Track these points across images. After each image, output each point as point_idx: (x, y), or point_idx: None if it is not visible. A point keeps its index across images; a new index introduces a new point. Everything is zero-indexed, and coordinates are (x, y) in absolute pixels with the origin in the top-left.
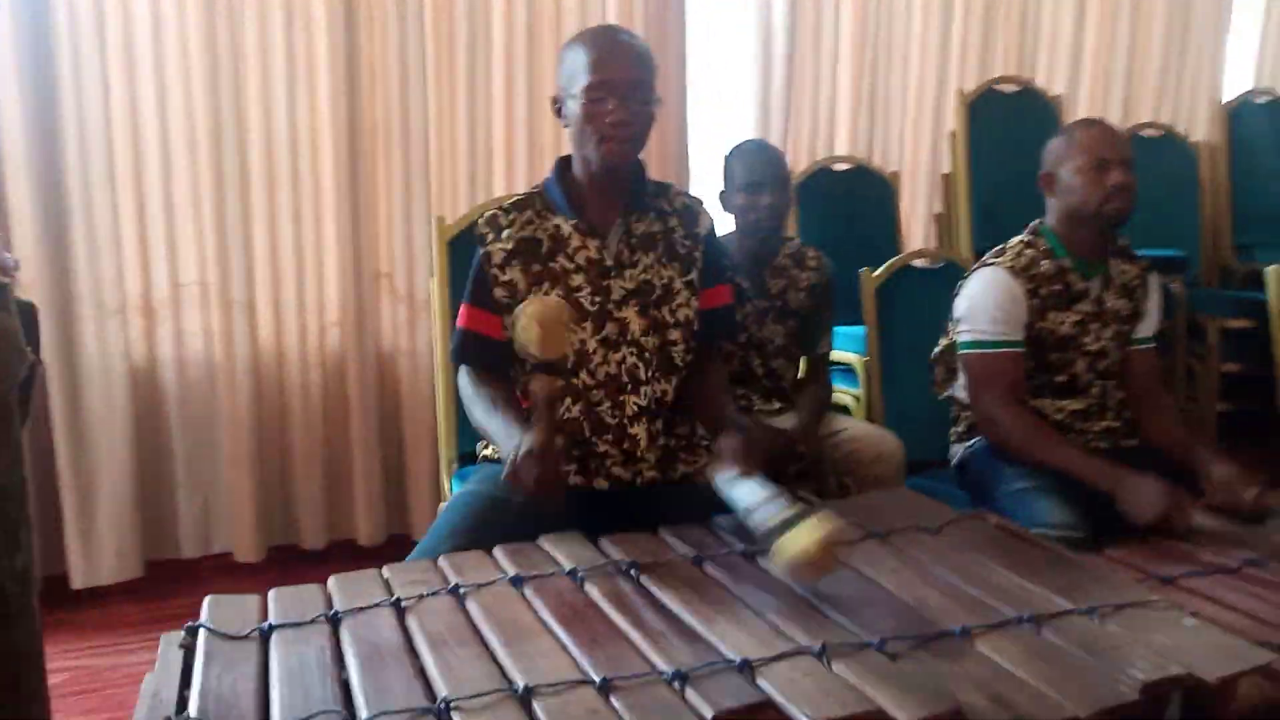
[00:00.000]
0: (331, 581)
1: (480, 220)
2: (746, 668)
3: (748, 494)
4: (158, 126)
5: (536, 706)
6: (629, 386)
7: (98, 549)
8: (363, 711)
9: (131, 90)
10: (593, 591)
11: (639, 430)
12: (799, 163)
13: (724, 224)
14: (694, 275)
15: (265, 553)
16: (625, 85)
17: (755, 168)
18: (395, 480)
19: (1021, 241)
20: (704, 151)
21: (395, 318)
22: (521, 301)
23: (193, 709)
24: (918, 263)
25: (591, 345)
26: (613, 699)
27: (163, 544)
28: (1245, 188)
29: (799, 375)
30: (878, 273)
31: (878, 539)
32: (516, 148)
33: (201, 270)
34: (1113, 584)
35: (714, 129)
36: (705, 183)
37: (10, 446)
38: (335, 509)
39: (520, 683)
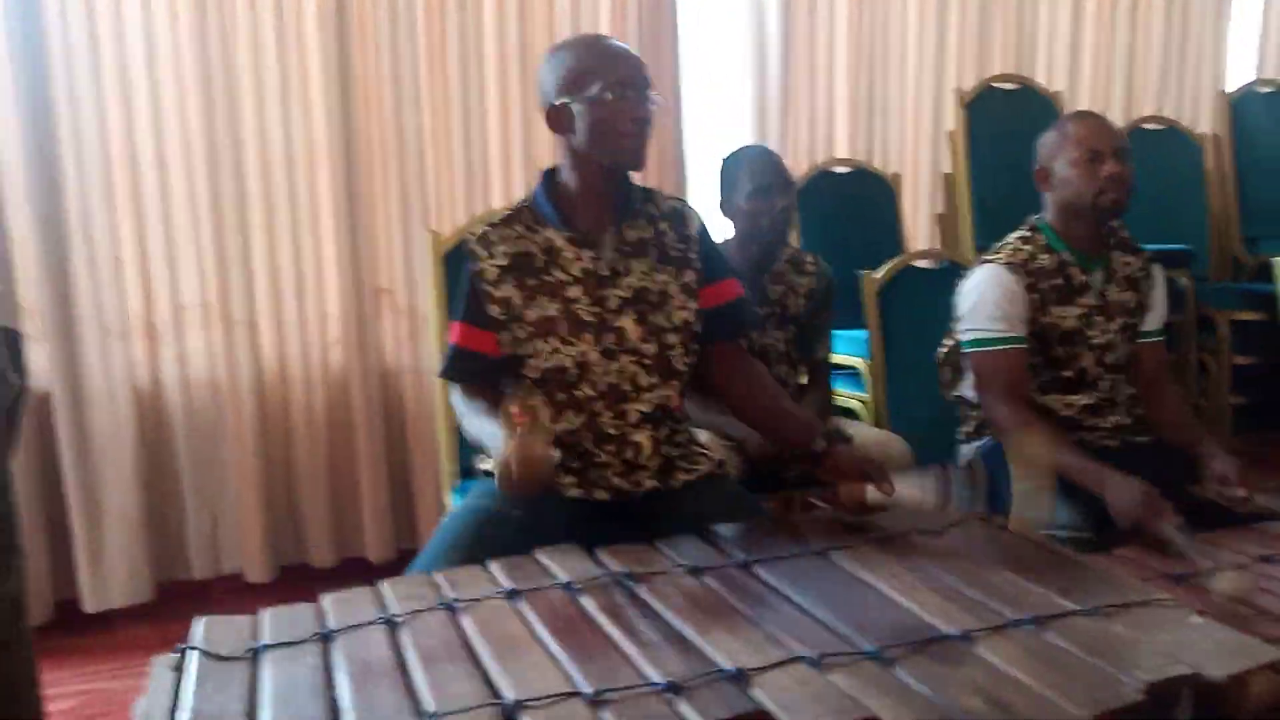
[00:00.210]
0: (325, 600)
1: (470, 238)
2: (740, 677)
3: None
4: (154, 149)
5: None
6: (630, 395)
7: (108, 572)
8: None
9: (127, 113)
10: (587, 604)
11: (642, 438)
12: (798, 167)
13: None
14: (690, 277)
15: (276, 573)
16: (643, 81)
17: (762, 172)
18: (403, 496)
19: (1019, 237)
20: (700, 157)
21: (397, 333)
22: (517, 318)
23: None
24: (920, 263)
25: (592, 356)
26: (603, 712)
27: (173, 566)
28: (1251, 179)
29: (801, 381)
30: (878, 275)
31: (877, 544)
32: (513, 159)
33: (203, 291)
34: (1117, 584)
35: (710, 134)
36: (702, 188)
37: None
38: (344, 527)
39: (510, 697)
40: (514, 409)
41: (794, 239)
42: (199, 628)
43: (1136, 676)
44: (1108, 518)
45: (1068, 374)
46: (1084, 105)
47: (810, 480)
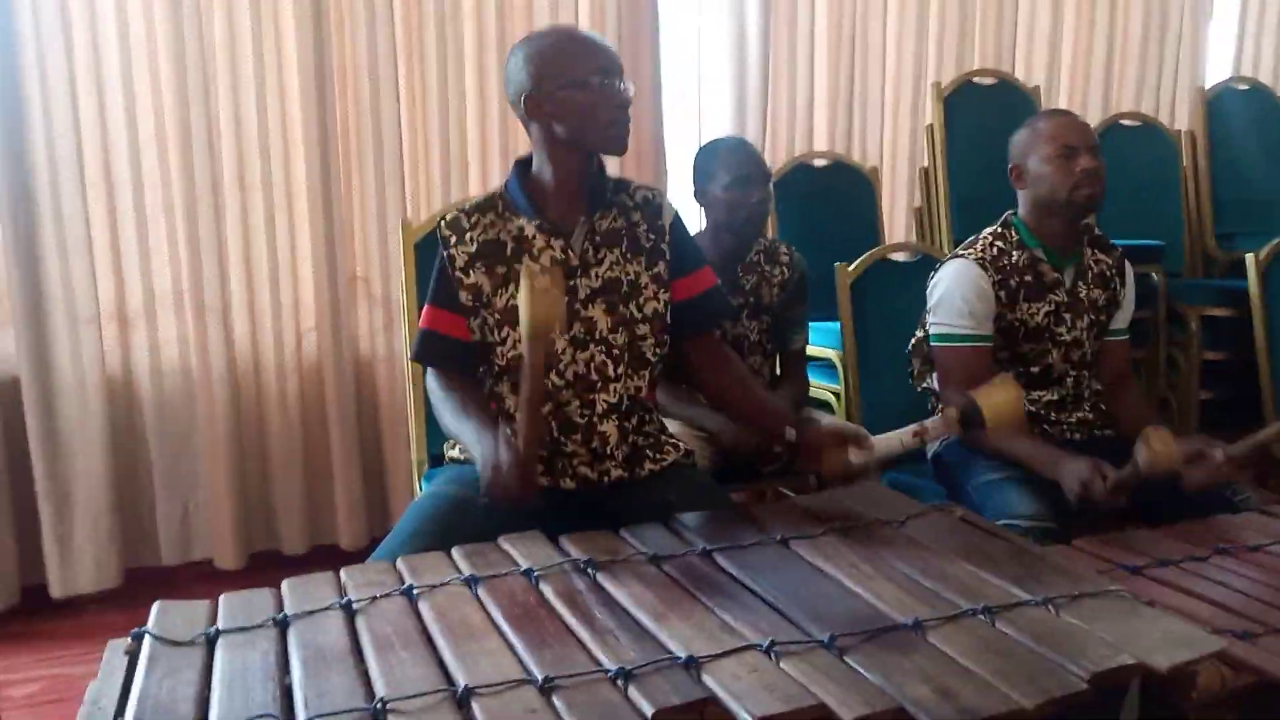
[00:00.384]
0: (285, 585)
1: (442, 223)
2: (692, 664)
3: (885, 444)
4: (127, 133)
5: (475, 707)
6: (598, 385)
7: (76, 558)
8: (300, 714)
9: (100, 96)
10: (547, 590)
11: (609, 428)
12: (777, 159)
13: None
14: (661, 268)
15: (246, 559)
16: (620, 69)
17: (740, 164)
18: (375, 483)
19: (992, 233)
20: (680, 148)
21: (372, 322)
22: (487, 305)
23: (129, 715)
24: (896, 256)
25: (560, 345)
26: (554, 698)
27: (142, 552)
28: (1226, 176)
29: (775, 372)
30: (852, 267)
31: (838, 534)
32: (490, 148)
33: (175, 278)
34: (1072, 575)
35: (689, 126)
36: (681, 179)
37: None
38: (316, 514)
39: (462, 683)
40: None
41: (771, 230)
42: (154, 612)
43: (1083, 666)
44: (1070, 507)
45: (1034, 369)
46: (1062, 101)
47: (784, 470)
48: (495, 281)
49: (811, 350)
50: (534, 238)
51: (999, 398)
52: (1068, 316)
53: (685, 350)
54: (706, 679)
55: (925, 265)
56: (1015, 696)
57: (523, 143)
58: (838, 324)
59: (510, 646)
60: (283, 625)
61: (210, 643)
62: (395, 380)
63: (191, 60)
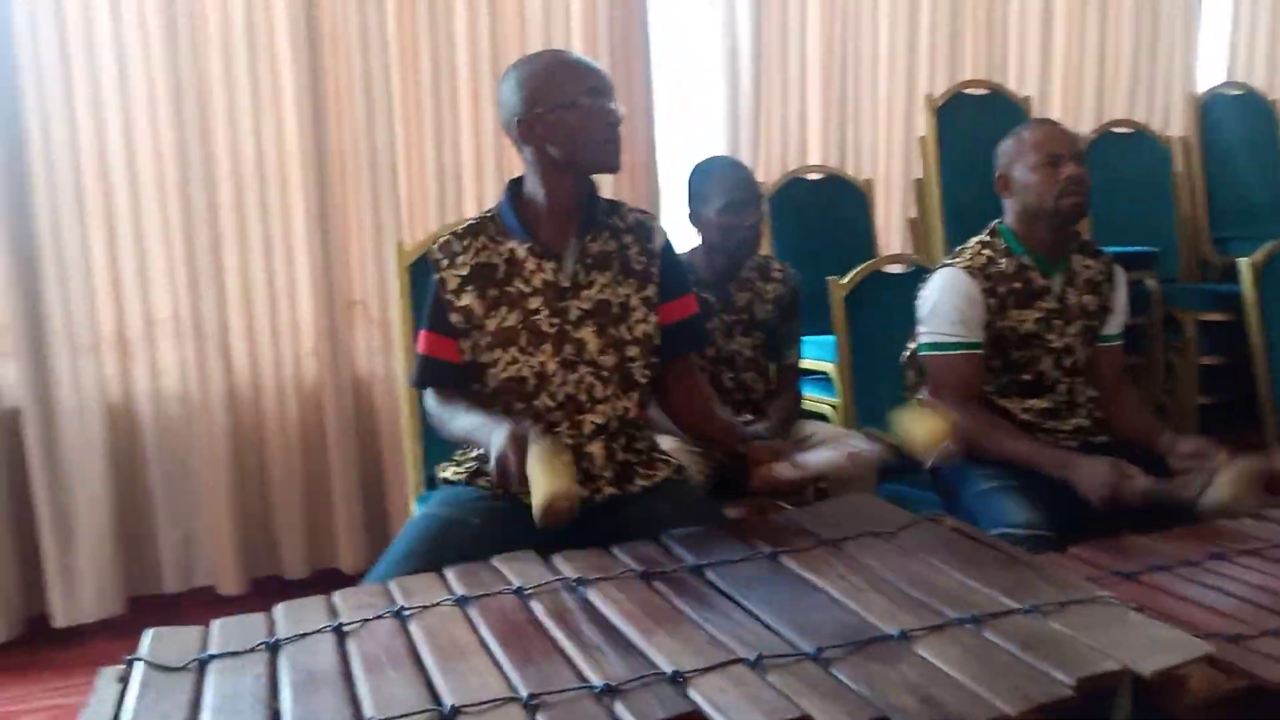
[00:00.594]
0: (277, 609)
1: (434, 246)
2: (679, 679)
3: (814, 460)
4: (125, 161)
5: None
6: (587, 406)
7: (79, 587)
8: None
9: (98, 125)
10: (537, 608)
11: (596, 448)
12: (770, 173)
13: (685, 239)
14: (651, 291)
15: (248, 585)
16: (611, 89)
17: (734, 187)
18: (376, 506)
19: (980, 241)
20: (672, 166)
21: (370, 344)
22: (478, 328)
23: None
24: (890, 268)
25: (551, 367)
26: (539, 715)
27: (144, 580)
28: (1220, 181)
29: (770, 386)
30: (845, 280)
31: (829, 547)
32: (485, 170)
33: (175, 304)
34: (1061, 582)
35: (682, 143)
36: (674, 197)
37: None
38: (317, 538)
39: (448, 703)
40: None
41: (766, 245)
42: (147, 639)
43: (1069, 672)
44: (1069, 515)
45: (1026, 377)
46: (1055, 109)
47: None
48: (487, 304)
49: (808, 364)
50: (525, 260)
51: (923, 428)
52: (1058, 323)
53: (660, 371)
54: (692, 693)
55: (919, 277)
56: (999, 704)
57: (517, 165)
58: (831, 337)
59: (498, 665)
60: (274, 649)
61: (202, 668)
62: (394, 402)
63: (188, 88)
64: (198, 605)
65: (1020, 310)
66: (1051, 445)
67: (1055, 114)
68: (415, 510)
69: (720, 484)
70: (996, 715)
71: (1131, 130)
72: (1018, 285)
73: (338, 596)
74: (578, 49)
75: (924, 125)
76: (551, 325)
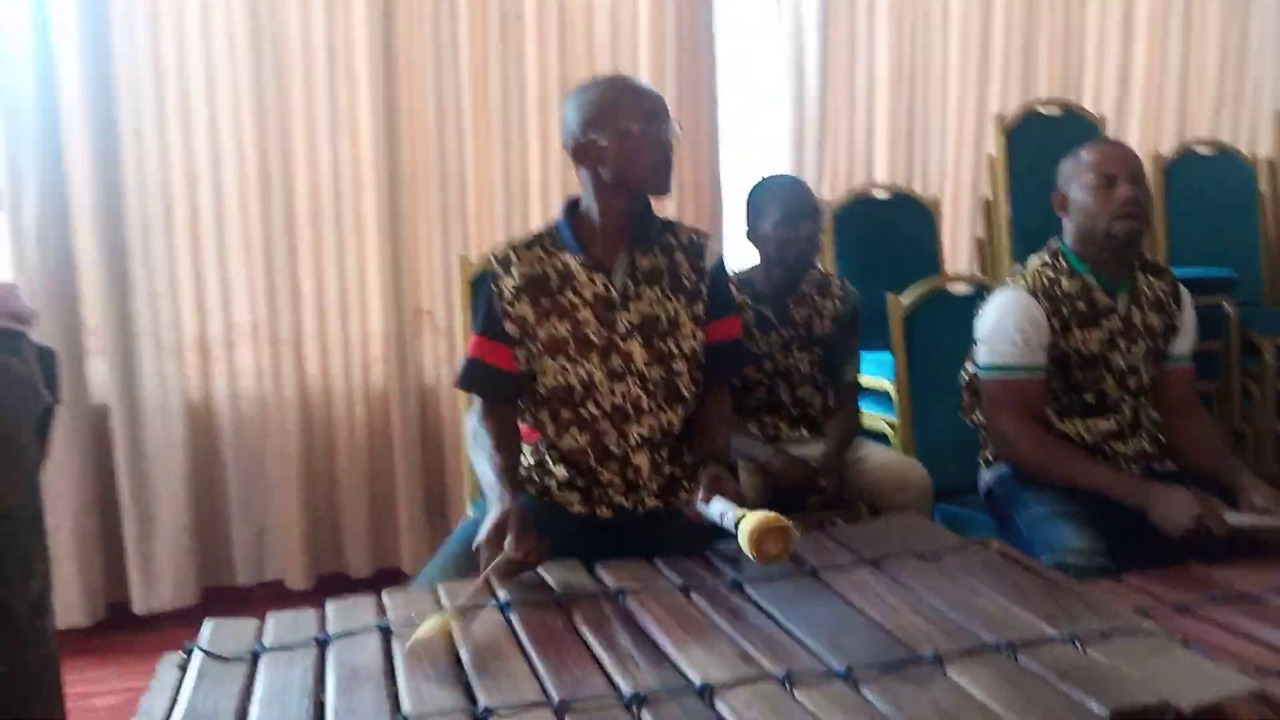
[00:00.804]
0: (329, 606)
1: (492, 256)
2: (707, 692)
3: (715, 508)
4: (210, 175)
5: None
6: (633, 416)
7: (157, 576)
8: None
9: (187, 144)
10: (576, 616)
11: (641, 459)
12: (836, 191)
13: (744, 257)
14: (699, 308)
15: (315, 581)
16: (664, 113)
17: (791, 201)
18: (437, 509)
19: (1040, 261)
20: (737, 183)
21: (436, 353)
22: (531, 336)
23: None
24: (953, 288)
25: (598, 376)
26: None
27: (218, 572)
28: None
29: (827, 403)
30: (905, 299)
31: (870, 566)
32: (551, 187)
33: (253, 310)
34: (1105, 611)
35: (747, 160)
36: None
37: (23, 480)
38: (380, 537)
39: (481, 704)
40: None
41: (829, 263)
42: (207, 629)
43: (1103, 703)
44: (1125, 543)
45: (1088, 398)
46: (1133, 128)
47: (831, 501)
48: (539, 313)
49: (869, 381)
50: (577, 272)
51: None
52: (1122, 342)
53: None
54: (719, 706)
55: (982, 297)
56: None
57: None
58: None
59: (533, 670)
60: (323, 644)
61: (254, 659)
62: (457, 409)
63: (271, 107)
64: (267, 598)
65: (1085, 330)
66: (1118, 470)
67: (1133, 133)
68: (470, 514)
69: (774, 501)
70: None
71: (1214, 150)
72: (1082, 305)
73: (386, 596)
74: (644, 68)
75: (994, 144)
76: (599, 336)
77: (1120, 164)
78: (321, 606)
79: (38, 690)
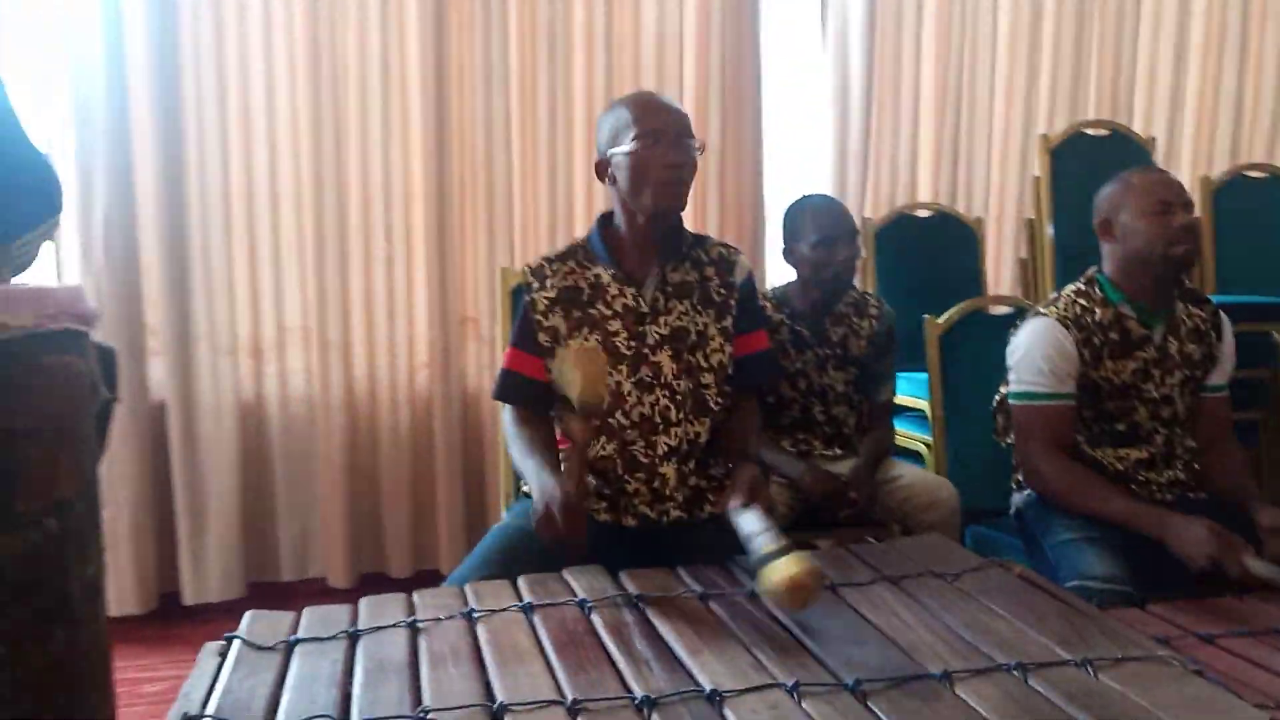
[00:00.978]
0: (362, 603)
1: (527, 269)
2: (715, 698)
3: (748, 523)
4: (267, 185)
5: None
6: (660, 427)
7: (207, 570)
8: (354, 717)
9: (247, 155)
10: (596, 620)
11: (668, 470)
12: (879, 210)
13: (781, 275)
14: (728, 322)
15: (356, 579)
16: (672, 131)
17: (828, 223)
18: (476, 513)
19: (1075, 290)
20: (781, 200)
21: (479, 360)
22: (564, 346)
23: (211, 707)
24: (994, 309)
25: (626, 387)
26: (579, 719)
27: (264, 567)
28: None
29: (862, 422)
30: (942, 320)
31: (889, 582)
32: (596, 200)
33: (304, 314)
34: (1122, 638)
35: (791, 178)
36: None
37: (82, 472)
38: (421, 539)
39: (498, 700)
40: (574, 430)
41: (870, 282)
42: (246, 620)
43: None
44: (1151, 571)
45: (1120, 427)
46: (1184, 152)
47: (860, 517)
48: (571, 324)
49: (905, 400)
50: (609, 285)
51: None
52: (1156, 373)
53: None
54: (727, 713)
55: (1021, 318)
56: None
57: None
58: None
59: (551, 670)
60: (354, 638)
61: (289, 649)
62: (498, 417)
63: (326, 118)
64: (309, 595)
65: (1117, 361)
66: (1146, 500)
67: (1184, 156)
68: (505, 518)
69: (805, 516)
70: None
71: (1266, 174)
72: (1114, 335)
73: (416, 595)
74: (690, 85)
75: (1039, 164)
76: (629, 347)
77: (1175, 191)
78: (358, 605)
79: (91, 670)
